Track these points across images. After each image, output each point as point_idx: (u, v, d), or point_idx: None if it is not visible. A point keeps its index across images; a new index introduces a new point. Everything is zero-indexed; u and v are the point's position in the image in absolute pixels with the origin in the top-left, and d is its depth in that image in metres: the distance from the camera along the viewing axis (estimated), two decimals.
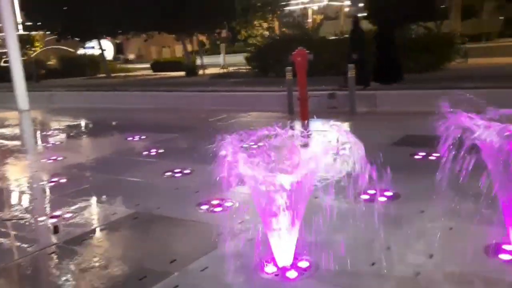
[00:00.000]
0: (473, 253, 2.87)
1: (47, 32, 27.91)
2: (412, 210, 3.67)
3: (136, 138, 7.55)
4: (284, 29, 30.01)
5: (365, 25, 21.05)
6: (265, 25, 27.73)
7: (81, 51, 31.68)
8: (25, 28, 27.75)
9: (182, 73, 21.58)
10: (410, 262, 2.84)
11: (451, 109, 2.87)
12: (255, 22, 26.34)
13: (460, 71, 13.72)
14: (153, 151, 6.44)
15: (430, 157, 5.05)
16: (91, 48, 31.62)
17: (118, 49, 48.69)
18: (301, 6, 34.49)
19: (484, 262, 2.77)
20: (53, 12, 21.34)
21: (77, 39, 25.69)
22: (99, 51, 26.43)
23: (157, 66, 26.78)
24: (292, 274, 2.80)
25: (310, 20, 36.79)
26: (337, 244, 3.10)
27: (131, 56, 49.58)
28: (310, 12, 39.82)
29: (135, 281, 2.87)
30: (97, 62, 27.82)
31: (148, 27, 22.28)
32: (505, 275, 2.62)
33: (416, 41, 15.69)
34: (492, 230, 3.01)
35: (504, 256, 2.79)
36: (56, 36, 26.25)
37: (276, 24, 29.43)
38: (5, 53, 16.77)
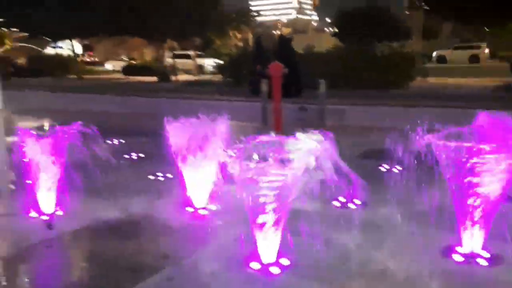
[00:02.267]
0: (431, 254, 3.32)
1: (14, 29, 27.34)
2: (379, 216, 4.11)
3: (115, 141, 7.71)
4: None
5: (335, 42, 21.88)
6: (239, 36, 28.26)
7: (48, 50, 31.11)
8: None
9: (154, 78, 21.69)
10: (377, 261, 3.26)
11: (413, 126, 3.34)
12: (230, 32, 26.84)
13: (421, 89, 14.58)
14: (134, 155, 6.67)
15: (394, 169, 5.53)
16: (59, 47, 31.15)
17: (86, 50, 47.84)
18: (273, 18, 35.27)
19: (440, 263, 3.21)
20: (25, 10, 21.03)
21: (48, 38, 25.34)
22: (67, 51, 26.15)
23: (129, 70, 26.74)
24: (275, 270, 3.15)
25: (278, 32, 37.58)
26: (314, 245, 3.47)
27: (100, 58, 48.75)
28: (279, 25, 40.68)
29: (130, 273, 3.14)
30: (66, 62, 27.45)
31: (122, 30, 22.31)
32: (457, 274, 3.06)
33: (381, 59, 16.55)
34: (447, 235, 3.47)
35: (456, 257, 3.24)
36: (25, 34, 25.80)
37: (249, 35, 30.00)
38: None
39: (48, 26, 21.80)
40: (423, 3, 20.03)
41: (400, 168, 5.49)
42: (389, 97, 11.20)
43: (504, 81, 16.08)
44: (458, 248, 3.31)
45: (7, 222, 4.12)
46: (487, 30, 32.90)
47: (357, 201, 4.42)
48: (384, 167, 5.64)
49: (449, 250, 3.32)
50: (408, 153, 3.34)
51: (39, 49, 31.32)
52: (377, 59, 16.48)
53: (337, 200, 4.38)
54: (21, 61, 28.68)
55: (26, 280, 3.21)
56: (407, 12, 24.56)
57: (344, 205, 4.36)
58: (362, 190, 4.57)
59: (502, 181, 3.05)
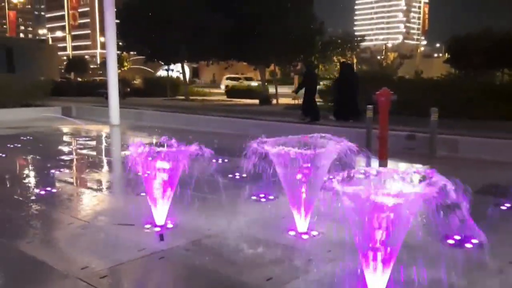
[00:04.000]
0: None
1: (132, 53, 30.02)
2: (500, 259, 3.69)
3: (220, 160, 7.96)
4: (360, 66, 30.25)
5: (448, 68, 20.72)
6: (342, 60, 28.23)
7: (159, 73, 33.65)
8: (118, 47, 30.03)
9: (256, 101, 22.31)
10: None
11: None
12: (334, 58, 26.90)
13: None
14: (237, 175, 6.82)
15: None
16: (171, 70, 33.56)
17: (194, 73, 50.98)
18: (381, 43, 34.68)
19: None
20: (144, 36, 23.09)
21: (161, 62, 27.47)
22: (177, 74, 28.04)
23: (232, 92, 27.94)
24: None
25: (382, 57, 36.73)
26: (427, 285, 3.21)
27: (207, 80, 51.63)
28: (385, 49, 39.72)
29: None
30: (176, 84, 29.51)
31: (230, 55, 23.48)
32: None
33: (499, 88, 15.29)
34: None
35: None
36: (140, 57, 28.26)
37: (354, 60, 29.84)
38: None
39: (165, 52, 23.69)
40: None
41: None
42: (507, 130, 10.23)
43: None
44: None
45: (126, 232, 4.39)
46: None
47: (475, 241, 4.04)
48: (505, 206, 5.11)
49: None
50: None
51: (152, 71, 34.04)
52: (494, 87, 15.25)
53: (452, 238, 4.04)
54: (137, 81, 31.40)
55: None
56: None
57: (459, 243, 4.00)
58: (480, 229, 4.20)
59: None
